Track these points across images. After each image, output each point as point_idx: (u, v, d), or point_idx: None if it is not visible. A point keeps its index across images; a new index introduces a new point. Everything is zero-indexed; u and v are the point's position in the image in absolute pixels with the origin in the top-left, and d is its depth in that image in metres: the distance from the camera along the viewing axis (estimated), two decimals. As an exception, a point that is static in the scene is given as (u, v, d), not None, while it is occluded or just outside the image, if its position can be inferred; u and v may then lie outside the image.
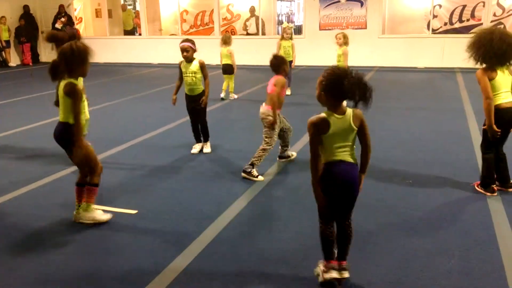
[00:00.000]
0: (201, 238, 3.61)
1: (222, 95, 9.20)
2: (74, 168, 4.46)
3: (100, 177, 3.88)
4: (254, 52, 13.72)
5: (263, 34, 14.96)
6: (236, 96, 9.37)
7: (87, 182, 3.84)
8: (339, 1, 13.76)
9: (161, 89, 10.55)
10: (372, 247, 3.41)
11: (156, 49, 15.90)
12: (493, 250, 3.33)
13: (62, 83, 3.63)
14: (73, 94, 3.56)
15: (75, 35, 5.30)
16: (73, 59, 3.58)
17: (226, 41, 9.10)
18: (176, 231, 3.75)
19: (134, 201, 4.33)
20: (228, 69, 9.15)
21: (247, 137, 6.44)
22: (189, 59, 5.56)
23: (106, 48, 16.43)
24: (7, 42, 15.98)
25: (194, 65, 5.54)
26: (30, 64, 16.29)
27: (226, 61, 9.10)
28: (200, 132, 5.80)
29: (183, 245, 3.50)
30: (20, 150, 6.11)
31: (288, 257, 3.32)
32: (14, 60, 16.37)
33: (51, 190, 4.70)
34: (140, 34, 16.91)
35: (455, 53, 13.07)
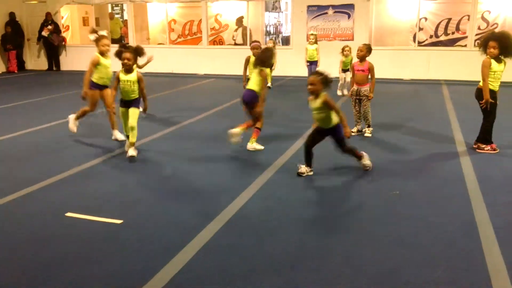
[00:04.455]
0: (189, 247, 3.58)
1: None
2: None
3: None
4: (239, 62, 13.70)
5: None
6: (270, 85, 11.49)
7: (256, 127, 6.07)
8: (326, 13, 13.89)
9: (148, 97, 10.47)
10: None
11: (144, 58, 15.81)
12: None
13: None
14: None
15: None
16: None
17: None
18: (162, 240, 3.72)
19: (119, 211, 4.29)
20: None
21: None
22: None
23: (93, 57, 16.32)
24: (-8, 49, 15.82)
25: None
26: (16, 71, 16.13)
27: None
28: None
29: (170, 254, 3.47)
30: (8, 156, 6.04)
31: (277, 266, 3.31)
32: (-1, 67, 16.22)
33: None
34: (127, 43, 16.85)
35: (441, 65, 13.26)
